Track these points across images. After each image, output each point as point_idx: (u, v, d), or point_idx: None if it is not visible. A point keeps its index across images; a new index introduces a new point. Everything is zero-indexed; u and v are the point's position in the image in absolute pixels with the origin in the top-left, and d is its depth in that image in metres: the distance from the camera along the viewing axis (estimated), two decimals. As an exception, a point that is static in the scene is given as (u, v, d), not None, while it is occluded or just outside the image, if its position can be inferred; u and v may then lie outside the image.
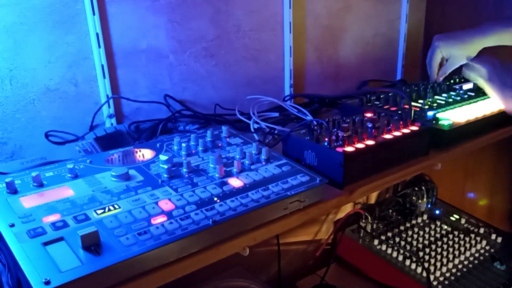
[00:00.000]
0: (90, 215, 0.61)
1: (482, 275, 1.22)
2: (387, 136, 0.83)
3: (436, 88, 1.15)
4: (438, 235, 1.36)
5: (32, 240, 0.55)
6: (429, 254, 1.26)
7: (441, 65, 1.20)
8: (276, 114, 1.10)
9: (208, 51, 1.13)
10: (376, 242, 1.31)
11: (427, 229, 1.38)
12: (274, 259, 1.31)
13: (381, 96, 1.08)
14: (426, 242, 1.32)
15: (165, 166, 0.72)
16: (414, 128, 0.87)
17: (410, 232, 1.36)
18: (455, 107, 1.04)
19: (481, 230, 1.38)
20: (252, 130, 0.99)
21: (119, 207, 0.63)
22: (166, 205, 0.64)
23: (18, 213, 0.61)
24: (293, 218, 0.70)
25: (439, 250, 1.28)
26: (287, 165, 0.77)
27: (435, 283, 1.17)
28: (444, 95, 1.12)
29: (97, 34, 0.95)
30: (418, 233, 1.36)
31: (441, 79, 1.21)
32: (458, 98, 1.09)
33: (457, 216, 1.45)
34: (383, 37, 1.51)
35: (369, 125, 0.87)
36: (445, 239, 1.34)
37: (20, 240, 0.55)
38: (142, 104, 1.05)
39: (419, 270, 1.20)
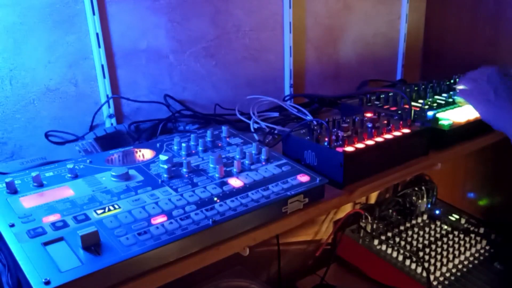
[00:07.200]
0: (90, 215, 0.61)
1: (482, 275, 1.22)
2: (387, 136, 0.83)
3: (436, 88, 1.15)
4: (438, 235, 1.36)
5: (32, 240, 0.55)
6: (429, 254, 1.26)
7: None
8: (276, 114, 1.10)
9: (208, 51, 1.13)
10: (376, 242, 1.31)
11: (427, 229, 1.38)
12: (274, 259, 1.31)
13: (381, 96, 1.08)
14: (426, 242, 1.32)
15: (165, 166, 0.72)
16: (414, 128, 0.87)
17: (410, 232, 1.36)
18: (455, 107, 1.03)
19: (481, 230, 1.38)
20: (252, 130, 0.99)
21: (119, 207, 0.63)
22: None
23: (18, 213, 0.61)
24: (293, 218, 0.70)
25: (439, 250, 1.28)
26: (287, 165, 0.76)
27: (435, 283, 1.17)
28: (444, 95, 1.12)
29: (97, 34, 0.95)
30: (418, 233, 1.36)
31: None
32: (458, 98, 1.09)
33: (457, 216, 1.45)
34: (383, 37, 1.51)
35: (369, 125, 0.87)
36: (445, 239, 1.34)
37: (20, 240, 0.55)
38: (142, 104, 1.05)
39: (419, 270, 1.20)
